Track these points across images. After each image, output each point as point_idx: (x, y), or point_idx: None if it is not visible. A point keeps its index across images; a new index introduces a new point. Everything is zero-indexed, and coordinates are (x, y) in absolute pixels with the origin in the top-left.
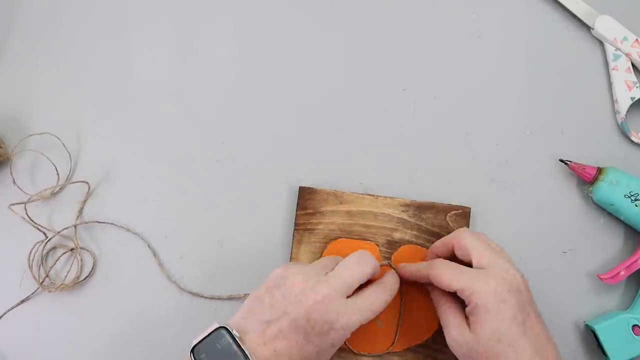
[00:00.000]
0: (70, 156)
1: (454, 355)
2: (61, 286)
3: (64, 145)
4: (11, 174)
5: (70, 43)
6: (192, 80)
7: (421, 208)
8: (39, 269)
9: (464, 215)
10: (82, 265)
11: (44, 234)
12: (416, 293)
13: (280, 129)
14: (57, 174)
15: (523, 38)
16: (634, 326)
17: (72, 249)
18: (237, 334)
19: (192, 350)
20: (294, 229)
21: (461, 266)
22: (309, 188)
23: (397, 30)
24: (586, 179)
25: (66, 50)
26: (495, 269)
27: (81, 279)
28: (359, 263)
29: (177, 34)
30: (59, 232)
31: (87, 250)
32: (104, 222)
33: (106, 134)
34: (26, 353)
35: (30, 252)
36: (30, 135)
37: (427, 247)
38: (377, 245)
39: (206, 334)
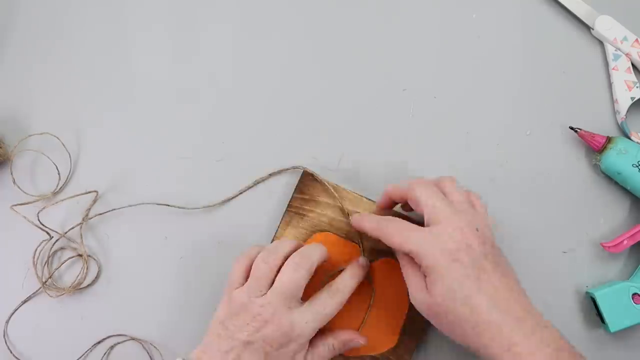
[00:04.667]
0: (70, 156)
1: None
2: (63, 293)
3: (64, 145)
4: (11, 174)
5: (70, 43)
6: (192, 80)
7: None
8: (42, 270)
9: None
10: (87, 272)
11: (48, 233)
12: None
13: (279, 128)
14: (58, 174)
15: (523, 38)
16: (634, 294)
17: (79, 255)
18: None
19: None
20: (286, 209)
21: (410, 225)
22: (312, 174)
23: (397, 30)
24: (595, 147)
25: (66, 51)
26: (444, 227)
27: (83, 286)
28: (297, 268)
29: (177, 34)
30: (63, 234)
31: (94, 259)
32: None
33: (106, 134)
34: (26, 352)
35: (35, 252)
36: (30, 136)
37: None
38: (363, 250)
39: None
